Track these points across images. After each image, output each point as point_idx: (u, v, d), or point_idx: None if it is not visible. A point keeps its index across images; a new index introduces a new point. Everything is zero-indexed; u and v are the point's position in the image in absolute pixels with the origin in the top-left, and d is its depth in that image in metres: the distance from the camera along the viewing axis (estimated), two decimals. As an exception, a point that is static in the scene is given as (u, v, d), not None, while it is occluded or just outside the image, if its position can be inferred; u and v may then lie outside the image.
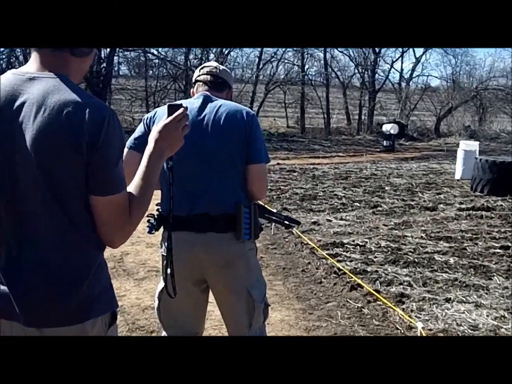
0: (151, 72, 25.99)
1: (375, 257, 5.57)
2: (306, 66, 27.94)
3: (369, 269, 5.13)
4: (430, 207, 8.38)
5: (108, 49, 20.44)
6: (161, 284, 2.32)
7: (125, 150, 2.18)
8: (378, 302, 4.30)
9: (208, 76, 2.34)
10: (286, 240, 6.44)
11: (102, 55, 21.10)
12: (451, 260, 5.44)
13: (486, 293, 4.51)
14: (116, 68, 26.81)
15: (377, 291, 4.48)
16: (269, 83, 26.32)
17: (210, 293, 2.37)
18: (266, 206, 2.43)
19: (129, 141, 2.23)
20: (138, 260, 5.48)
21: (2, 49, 18.84)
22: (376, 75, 29.33)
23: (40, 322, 1.36)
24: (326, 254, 5.57)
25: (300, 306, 4.37)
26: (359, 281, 4.71)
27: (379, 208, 8.26)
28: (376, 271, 5.06)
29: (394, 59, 30.13)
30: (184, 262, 2.17)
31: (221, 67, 2.40)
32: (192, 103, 2.23)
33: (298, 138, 23.42)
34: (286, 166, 13.77)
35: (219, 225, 2.17)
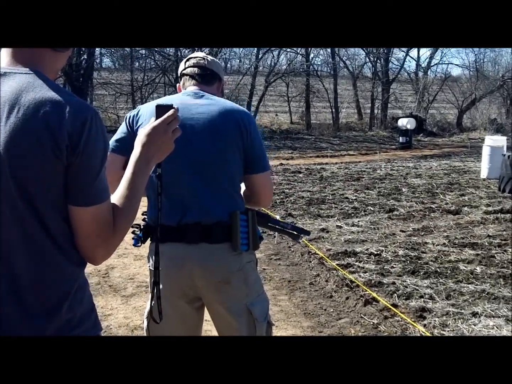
0: (137, 64, 26.00)
1: (392, 267, 5.56)
2: (311, 55, 27.99)
3: (385, 281, 5.12)
4: (453, 210, 8.39)
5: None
6: (149, 303, 2.30)
7: None
8: (396, 318, 4.29)
9: (196, 69, 2.33)
10: (292, 249, 6.43)
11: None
12: (478, 269, 5.43)
13: (518, 306, 4.50)
14: (98, 60, 26.88)
15: (395, 306, 4.47)
16: (270, 75, 26.35)
17: (206, 311, 2.36)
18: (269, 213, 2.40)
19: (110, 143, 2.22)
20: (126, 275, 5.48)
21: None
22: (390, 64, 29.45)
23: None
24: (337, 264, 5.57)
25: (308, 323, 4.36)
26: (374, 294, 4.70)
27: (396, 213, 8.26)
28: (394, 283, 5.05)
29: (409, 47, 30.21)
30: (175, 278, 2.16)
31: (209, 57, 2.39)
32: (181, 99, 2.22)
33: (303, 135, 23.47)
34: (290, 166, 13.81)
35: (213, 235, 2.15)
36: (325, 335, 4.13)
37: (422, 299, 4.66)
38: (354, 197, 9.50)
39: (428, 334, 3.87)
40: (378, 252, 6.06)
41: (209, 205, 2.17)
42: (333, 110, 27.04)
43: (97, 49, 23.31)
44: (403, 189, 10.28)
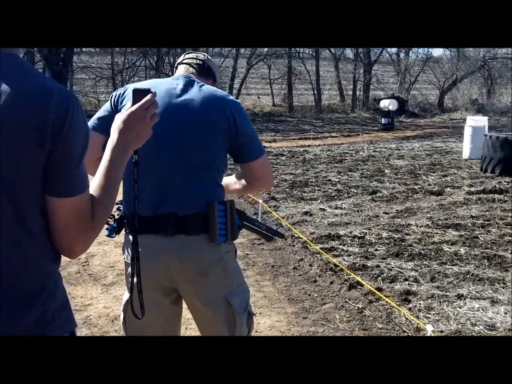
0: (117, 48, 25.72)
1: (376, 250, 5.51)
2: (293, 37, 27.75)
3: (369, 264, 5.06)
4: (436, 191, 8.36)
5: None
6: (127, 295, 2.20)
7: None
8: (381, 302, 4.23)
9: (195, 60, 2.33)
10: (275, 233, 6.34)
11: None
12: (462, 251, 5.39)
13: (503, 287, 4.46)
14: (77, 44, 26.38)
15: (380, 289, 4.41)
16: (252, 57, 26.15)
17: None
18: (245, 212, 2.34)
19: (91, 121, 2.14)
20: (106, 263, 5.36)
21: None
22: (371, 45, 29.30)
23: None
24: (320, 248, 5.49)
25: (293, 309, 4.29)
26: (359, 278, 4.64)
27: (379, 194, 8.22)
28: (378, 266, 5.00)
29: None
30: (150, 271, 2.07)
31: (209, 56, 2.40)
32: (170, 83, 2.18)
33: (286, 118, 23.38)
34: (273, 149, 13.70)
35: (189, 226, 2.07)
36: (310, 321, 4.06)
37: (407, 282, 4.61)
38: (337, 180, 9.44)
39: (414, 318, 3.81)
40: (362, 235, 5.99)
41: (187, 194, 2.09)
42: (315, 92, 26.95)
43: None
44: (386, 171, 10.23)
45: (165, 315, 2.22)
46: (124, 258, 2.21)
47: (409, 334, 3.75)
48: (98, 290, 4.68)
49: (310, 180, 9.47)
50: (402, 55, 31.23)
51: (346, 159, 11.91)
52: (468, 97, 28.10)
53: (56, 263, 1.38)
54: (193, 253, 2.08)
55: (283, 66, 27.39)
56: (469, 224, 6.37)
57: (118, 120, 1.47)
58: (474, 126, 11.83)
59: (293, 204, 7.70)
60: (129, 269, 2.14)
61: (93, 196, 1.37)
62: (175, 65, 2.38)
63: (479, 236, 5.90)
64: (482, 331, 3.71)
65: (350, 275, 4.74)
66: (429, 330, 3.39)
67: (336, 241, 5.82)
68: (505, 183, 8.67)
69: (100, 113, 2.18)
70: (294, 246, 5.87)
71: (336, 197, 8.10)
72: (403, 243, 5.67)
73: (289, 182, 9.30)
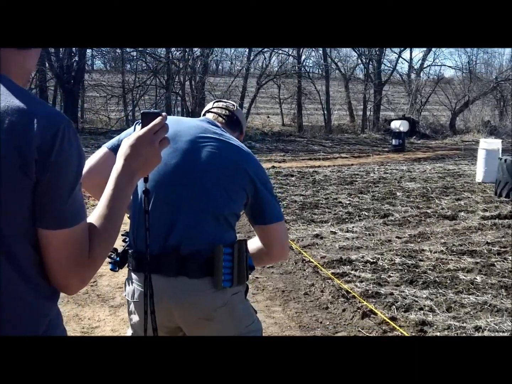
0: (128, 66, 25.94)
1: (389, 276, 5.38)
2: (303, 57, 27.98)
3: (382, 291, 4.93)
4: (449, 215, 8.22)
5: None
6: (129, 332, 2.10)
7: (102, 148, 2.04)
8: (395, 332, 4.09)
9: (223, 110, 2.25)
10: (285, 257, 6.23)
11: (73, 48, 20.90)
12: (478, 279, 5.25)
13: (522, 319, 4.31)
14: (89, 62, 26.75)
15: (394, 319, 4.28)
16: (261, 77, 26.21)
17: None
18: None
19: (110, 142, 2.05)
20: (114, 283, 5.26)
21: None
22: (382, 66, 29.30)
23: None
24: (332, 273, 5.37)
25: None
26: (371, 306, 4.50)
27: (391, 218, 8.09)
28: (391, 293, 4.86)
29: (402, 48, 30.11)
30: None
31: (238, 107, 2.33)
32: (192, 122, 2.11)
33: (295, 138, 23.35)
34: (282, 169, 13.61)
35: (192, 268, 1.92)
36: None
37: (422, 312, 4.47)
38: (348, 202, 9.32)
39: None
40: (374, 260, 5.86)
41: (192, 233, 1.94)
42: (325, 112, 26.92)
43: (88, 50, 23.23)
44: (398, 193, 10.11)
45: None
46: (125, 296, 2.07)
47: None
48: (106, 312, 4.59)
49: (321, 201, 9.36)
50: (413, 75, 31.16)
51: (357, 181, 11.80)
52: (480, 119, 27.96)
53: (53, 301, 1.29)
54: (196, 297, 1.94)
55: (292, 86, 27.42)
56: (485, 251, 6.22)
57: (124, 145, 1.37)
58: (487, 149, 11.70)
59: (303, 226, 7.59)
60: (131, 306, 2.04)
61: (93, 226, 1.28)
62: (203, 112, 2.29)
63: (495, 263, 5.75)
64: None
65: (363, 303, 4.60)
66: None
67: (348, 266, 5.69)
68: (520, 208, 8.53)
69: (122, 135, 2.05)
70: (304, 270, 5.74)
71: (347, 220, 7.98)
72: (417, 270, 5.54)
73: (299, 203, 9.20)
